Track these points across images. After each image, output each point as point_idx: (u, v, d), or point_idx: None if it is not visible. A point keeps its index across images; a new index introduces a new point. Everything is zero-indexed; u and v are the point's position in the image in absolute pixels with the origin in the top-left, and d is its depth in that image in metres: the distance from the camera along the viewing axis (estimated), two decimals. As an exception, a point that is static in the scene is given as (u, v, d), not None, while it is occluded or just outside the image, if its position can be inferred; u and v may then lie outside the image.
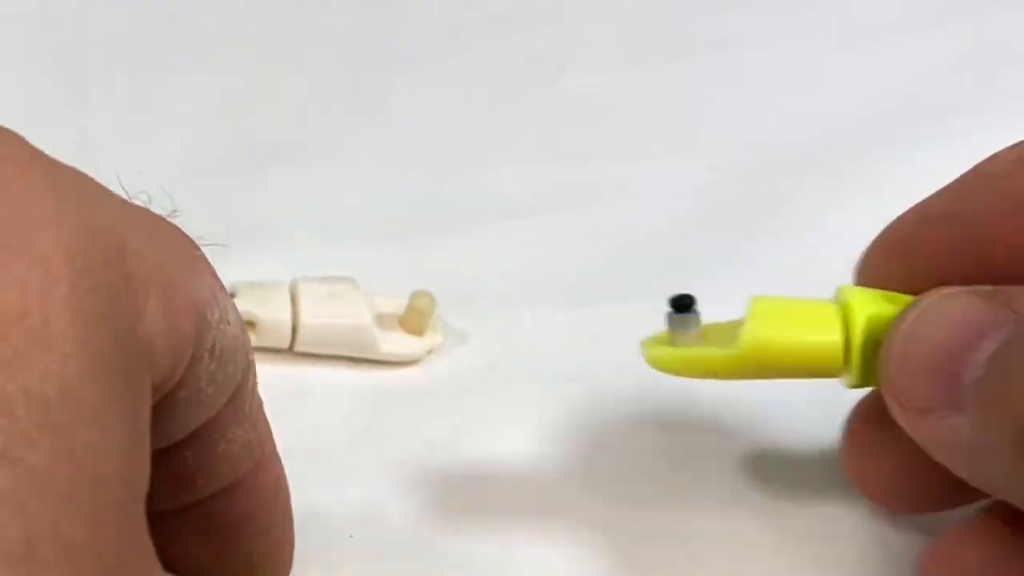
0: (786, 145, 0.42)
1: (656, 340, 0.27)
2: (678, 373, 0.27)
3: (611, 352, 0.34)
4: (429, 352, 0.33)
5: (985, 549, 0.24)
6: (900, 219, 0.27)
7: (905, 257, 0.26)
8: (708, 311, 0.35)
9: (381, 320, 0.33)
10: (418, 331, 0.33)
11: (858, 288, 0.26)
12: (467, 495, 0.30)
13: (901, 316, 0.24)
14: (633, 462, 0.31)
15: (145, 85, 0.45)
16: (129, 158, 0.42)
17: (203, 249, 0.22)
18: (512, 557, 0.28)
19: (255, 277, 0.34)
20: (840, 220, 0.38)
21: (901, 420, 0.23)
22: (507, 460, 0.31)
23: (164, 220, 0.22)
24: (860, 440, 0.27)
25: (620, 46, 0.48)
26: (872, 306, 0.25)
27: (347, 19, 0.49)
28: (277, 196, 0.40)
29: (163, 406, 0.20)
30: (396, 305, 0.34)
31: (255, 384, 0.23)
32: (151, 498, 0.22)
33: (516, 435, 0.31)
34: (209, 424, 0.22)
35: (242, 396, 0.23)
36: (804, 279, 0.36)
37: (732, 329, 0.26)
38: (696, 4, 0.49)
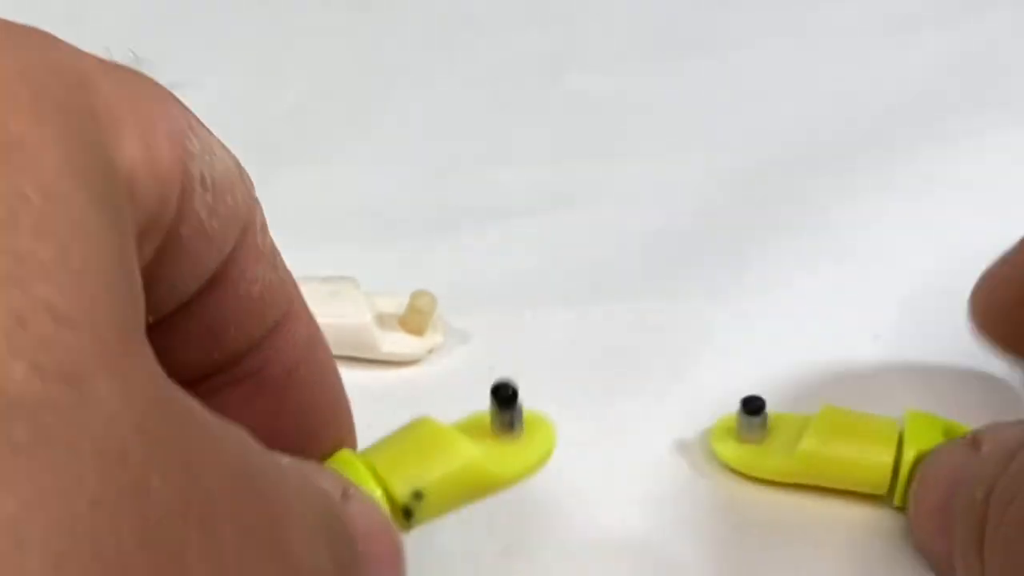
0: (786, 145, 0.42)
1: (723, 426, 0.30)
2: (740, 469, 0.29)
3: (611, 351, 0.34)
4: (429, 352, 0.33)
5: None
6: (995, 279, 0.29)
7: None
8: (708, 311, 0.35)
9: (381, 320, 0.33)
10: (418, 331, 0.33)
11: (921, 415, 0.28)
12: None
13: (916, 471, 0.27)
14: (634, 461, 0.31)
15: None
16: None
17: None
18: (511, 556, 0.28)
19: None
20: (841, 220, 0.38)
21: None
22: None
23: (126, 66, 0.21)
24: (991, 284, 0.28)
25: (620, 46, 0.48)
26: (926, 440, 0.27)
27: (347, 19, 0.49)
28: (277, 196, 0.40)
29: (170, 248, 0.20)
30: (396, 305, 0.33)
31: (264, 225, 0.23)
32: (188, 367, 0.23)
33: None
34: (225, 265, 0.22)
35: (252, 233, 0.22)
36: (804, 279, 0.36)
37: (799, 427, 0.29)
38: (696, 4, 0.49)
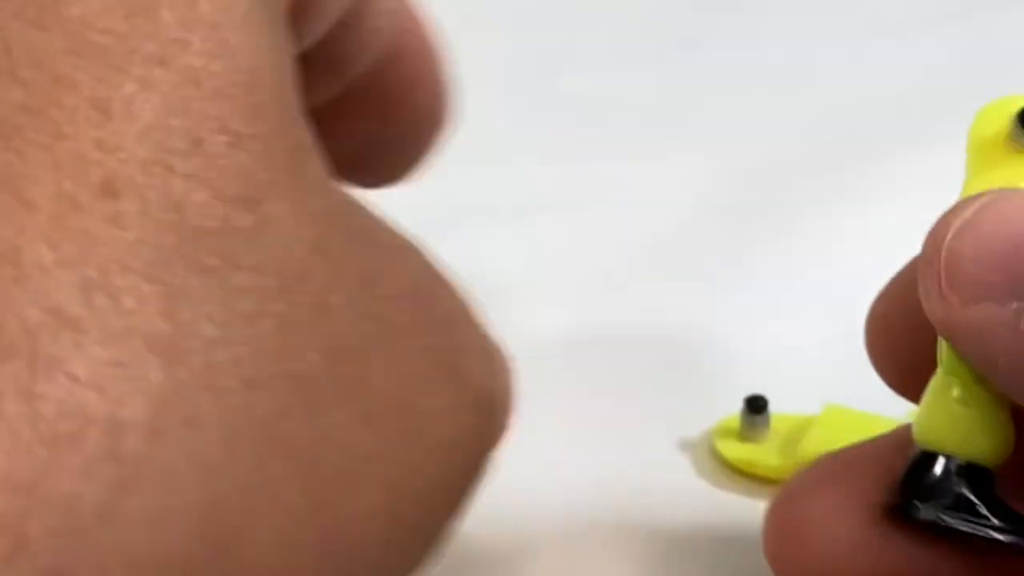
0: (787, 145, 0.42)
1: (726, 426, 0.30)
2: (743, 469, 0.29)
3: (612, 351, 0.34)
4: None
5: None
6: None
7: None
8: (708, 310, 0.35)
9: None
10: None
11: None
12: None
13: (962, 204, 0.23)
14: (636, 461, 0.30)
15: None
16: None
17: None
18: (510, 555, 0.28)
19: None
20: (841, 220, 0.38)
21: (936, 306, 0.22)
22: (507, 459, 0.31)
23: None
24: (886, 323, 0.26)
25: (620, 46, 0.48)
26: None
27: (346, 18, 0.49)
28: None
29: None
30: None
31: None
32: (313, 86, 0.22)
33: (516, 434, 0.31)
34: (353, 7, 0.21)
35: None
36: (804, 279, 0.36)
37: (802, 427, 0.29)
38: (696, 4, 0.49)
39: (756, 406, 0.29)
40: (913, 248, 0.37)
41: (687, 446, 0.30)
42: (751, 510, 0.29)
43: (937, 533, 0.22)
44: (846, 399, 0.30)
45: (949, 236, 0.22)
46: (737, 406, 0.30)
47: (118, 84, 0.15)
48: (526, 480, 0.30)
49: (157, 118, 0.15)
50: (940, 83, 0.45)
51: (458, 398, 0.18)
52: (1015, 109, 0.24)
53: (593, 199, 0.40)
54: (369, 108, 0.24)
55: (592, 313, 0.34)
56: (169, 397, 0.14)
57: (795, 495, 0.24)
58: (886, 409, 0.29)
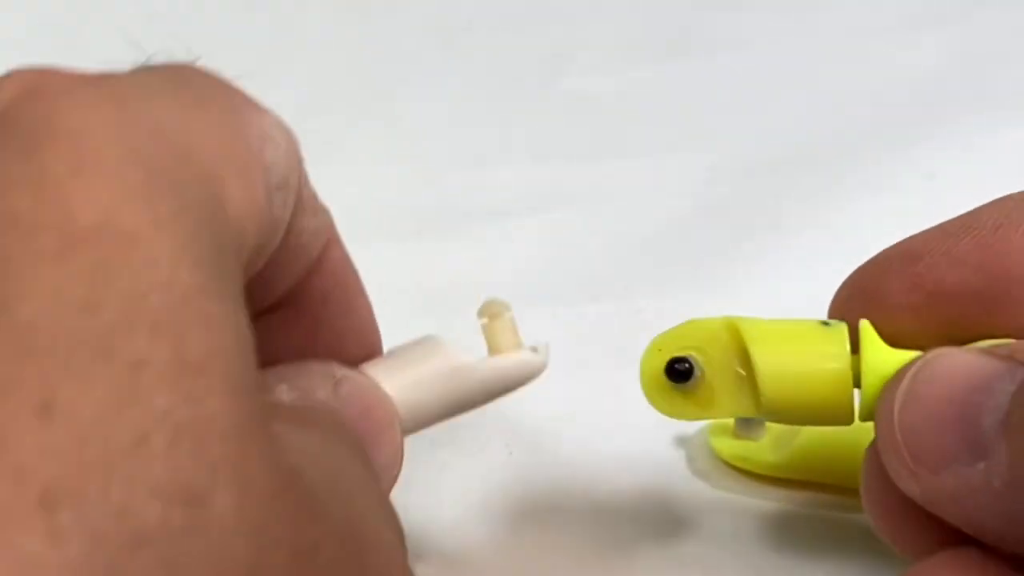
0: (786, 144, 0.42)
1: (721, 423, 0.30)
2: (738, 465, 0.29)
3: (612, 350, 0.34)
4: (536, 351, 0.28)
5: None
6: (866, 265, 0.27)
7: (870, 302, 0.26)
8: (708, 310, 0.35)
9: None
10: (512, 346, 0.27)
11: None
12: (466, 494, 0.30)
13: (898, 376, 0.23)
14: (632, 458, 0.31)
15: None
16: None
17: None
18: (509, 553, 0.28)
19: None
20: (840, 219, 0.39)
21: (908, 483, 0.22)
22: (506, 459, 0.31)
23: (196, 80, 0.21)
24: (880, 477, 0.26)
25: (620, 46, 0.48)
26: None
27: (347, 20, 0.49)
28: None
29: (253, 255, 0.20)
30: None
31: (306, 176, 0.23)
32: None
33: (517, 433, 0.31)
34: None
35: (300, 194, 0.23)
36: (804, 278, 0.36)
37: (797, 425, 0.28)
38: (696, 4, 0.49)
39: None
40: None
41: (682, 442, 0.31)
42: (746, 506, 0.29)
43: None
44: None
45: (896, 410, 0.22)
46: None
47: (60, 384, 0.15)
48: (523, 477, 0.30)
49: (99, 417, 0.15)
50: (935, 83, 0.45)
51: None
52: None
53: (590, 199, 0.40)
54: (301, 319, 0.25)
55: (589, 311, 0.34)
56: None
57: None
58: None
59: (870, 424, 0.27)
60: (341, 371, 0.24)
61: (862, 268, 0.27)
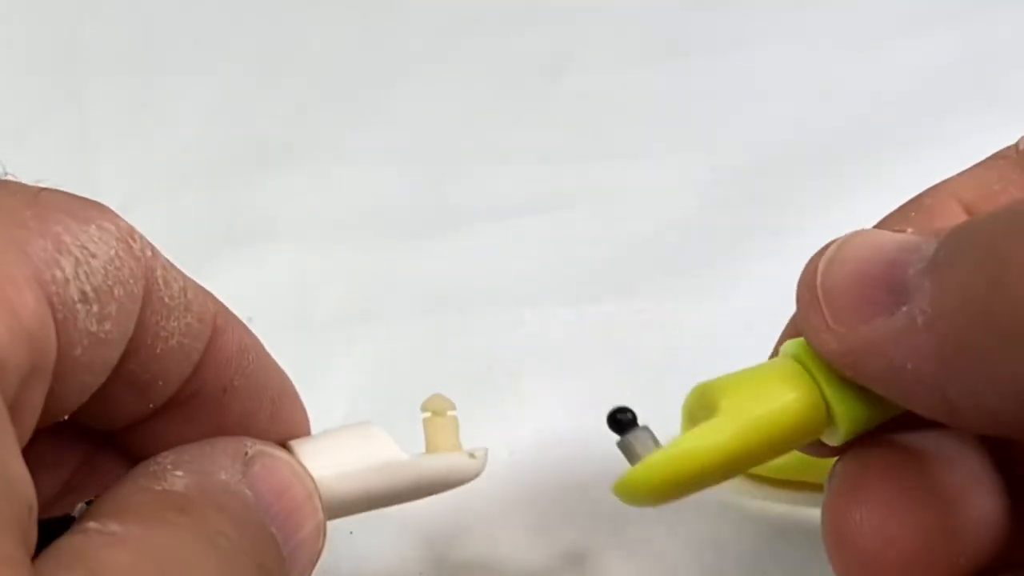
0: (786, 145, 0.42)
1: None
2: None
3: (612, 349, 0.34)
4: (474, 457, 0.27)
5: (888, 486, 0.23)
6: None
7: None
8: (708, 310, 0.35)
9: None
10: (448, 443, 0.27)
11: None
12: (466, 494, 0.30)
13: (815, 254, 0.24)
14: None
15: (145, 85, 0.45)
16: (129, 158, 0.42)
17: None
18: (509, 554, 0.28)
19: (256, 275, 0.34)
20: (840, 219, 0.38)
21: (826, 339, 0.23)
22: (508, 459, 0.31)
23: None
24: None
25: (620, 46, 0.48)
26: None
27: (347, 19, 0.49)
28: (277, 196, 0.40)
29: (66, 369, 0.20)
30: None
31: (167, 271, 0.23)
32: (125, 416, 0.23)
33: (517, 434, 0.31)
34: (134, 338, 0.22)
35: (155, 294, 0.22)
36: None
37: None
38: (696, 4, 0.49)
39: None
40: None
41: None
42: (748, 508, 0.29)
43: None
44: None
45: (820, 275, 0.24)
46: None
47: None
48: (521, 477, 0.30)
49: None
50: (937, 83, 0.45)
51: None
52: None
53: (591, 199, 0.40)
54: (203, 415, 0.24)
55: (589, 311, 0.34)
56: None
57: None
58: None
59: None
60: (255, 446, 0.24)
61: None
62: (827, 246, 0.24)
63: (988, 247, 0.20)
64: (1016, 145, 0.27)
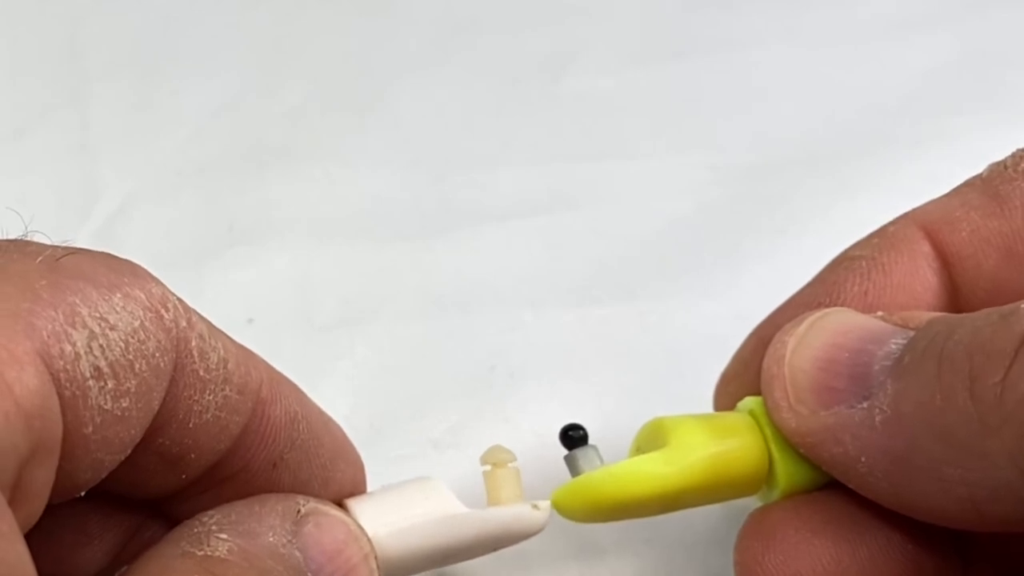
0: (786, 145, 0.42)
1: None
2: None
3: (613, 350, 0.34)
4: (538, 508, 0.26)
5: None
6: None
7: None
8: (708, 310, 0.35)
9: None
10: (509, 495, 0.26)
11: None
12: (468, 497, 0.30)
13: (786, 328, 0.25)
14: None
15: (145, 85, 0.45)
16: (129, 158, 0.42)
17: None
18: (510, 556, 0.28)
19: (256, 275, 0.34)
20: (840, 219, 0.38)
21: (786, 417, 0.24)
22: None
23: None
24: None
25: (620, 46, 0.48)
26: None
27: (347, 19, 0.49)
28: (277, 196, 0.40)
29: (77, 447, 0.20)
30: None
31: (205, 341, 0.22)
32: (161, 488, 0.23)
33: (517, 434, 0.31)
34: (163, 412, 0.21)
35: (188, 367, 0.21)
36: (804, 279, 0.36)
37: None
38: (696, 4, 0.49)
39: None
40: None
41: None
42: (747, 507, 0.29)
43: None
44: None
45: (788, 354, 0.24)
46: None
47: None
48: (525, 479, 0.30)
49: None
50: (937, 83, 0.45)
51: None
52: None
53: (591, 199, 0.40)
54: (245, 480, 0.23)
55: (591, 312, 0.34)
56: None
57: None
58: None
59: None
60: (308, 504, 0.23)
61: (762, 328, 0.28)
62: (800, 319, 0.24)
63: (949, 359, 0.21)
64: (981, 174, 0.27)
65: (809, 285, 0.27)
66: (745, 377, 0.27)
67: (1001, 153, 0.41)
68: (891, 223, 0.27)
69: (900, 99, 0.44)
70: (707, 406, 0.31)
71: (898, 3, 0.49)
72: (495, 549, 0.26)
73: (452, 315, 0.35)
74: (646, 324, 0.35)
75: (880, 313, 0.24)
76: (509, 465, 0.26)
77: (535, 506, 0.26)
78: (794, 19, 0.48)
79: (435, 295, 0.35)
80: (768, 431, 0.25)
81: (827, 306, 0.25)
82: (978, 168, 0.40)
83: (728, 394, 0.27)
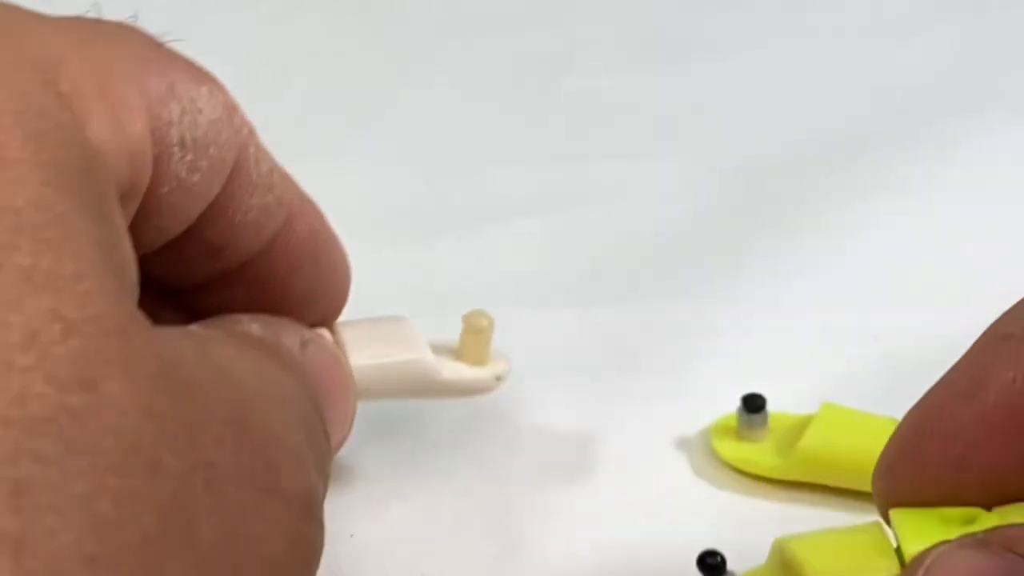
0: (786, 145, 0.42)
1: (723, 425, 0.30)
2: (740, 467, 0.29)
3: (613, 350, 0.34)
4: (498, 379, 0.30)
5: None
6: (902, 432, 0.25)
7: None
8: (708, 310, 0.35)
9: (439, 353, 0.30)
10: (480, 358, 0.30)
11: None
12: (468, 493, 0.30)
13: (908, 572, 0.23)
14: (634, 460, 0.31)
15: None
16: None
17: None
18: (509, 556, 0.28)
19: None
20: (841, 219, 0.38)
21: None
22: (508, 462, 0.31)
23: (109, 28, 0.22)
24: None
25: (620, 46, 0.48)
26: None
27: (348, 19, 0.49)
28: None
29: (151, 204, 0.22)
30: (452, 341, 0.30)
31: (259, 151, 0.25)
32: (191, 276, 0.25)
33: (518, 433, 0.31)
34: (217, 203, 0.24)
35: (244, 169, 0.24)
36: (804, 278, 0.36)
37: (799, 426, 0.29)
38: (696, 4, 0.49)
39: (754, 405, 0.29)
40: (910, 246, 0.37)
41: (685, 445, 0.31)
42: (749, 509, 0.29)
43: None
44: (843, 398, 0.30)
45: None
46: (734, 404, 0.30)
47: None
48: (523, 477, 0.30)
49: None
50: (938, 83, 0.45)
51: (281, 511, 0.20)
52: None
53: (591, 199, 0.40)
54: (272, 294, 0.26)
55: (590, 312, 0.34)
56: None
57: None
58: (883, 408, 0.29)
59: (874, 429, 0.27)
60: (309, 334, 0.26)
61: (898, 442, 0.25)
62: (914, 568, 0.22)
63: None
64: None
65: (962, 361, 0.25)
66: (902, 468, 0.25)
67: (1001, 154, 0.41)
68: None
69: (900, 99, 0.44)
70: (707, 406, 0.31)
71: (898, 3, 0.49)
72: (449, 397, 0.30)
73: (452, 315, 0.35)
74: (645, 324, 0.35)
75: (976, 537, 0.23)
76: (486, 330, 0.29)
77: (498, 376, 0.30)
78: (794, 19, 0.48)
79: (435, 294, 0.35)
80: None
81: (973, 396, 0.23)
82: (978, 168, 0.40)
83: (888, 491, 0.25)
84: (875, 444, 0.27)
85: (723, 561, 0.26)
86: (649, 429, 0.31)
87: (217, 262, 0.25)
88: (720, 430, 0.30)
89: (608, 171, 0.41)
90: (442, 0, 0.49)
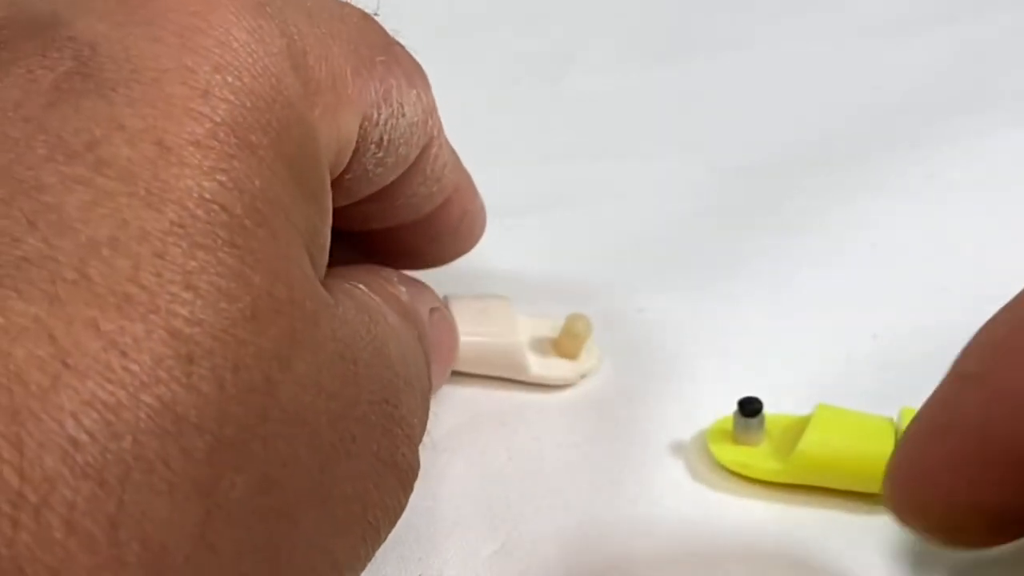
0: (786, 145, 0.42)
1: (720, 428, 0.30)
2: (737, 471, 0.29)
3: (613, 350, 0.34)
4: (582, 376, 0.32)
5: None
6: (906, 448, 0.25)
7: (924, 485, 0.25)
8: (707, 310, 0.35)
9: (535, 343, 0.32)
10: (572, 355, 0.32)
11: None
12: (468, 493, 0.30)
13: None
14: (631, 463, 0.31)
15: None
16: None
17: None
18: (507, 555, 0.28)
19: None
20: (840, 219, 0.39)
21: None
22: (507, 463, 0.31)
23: (353, 17, 0.24)
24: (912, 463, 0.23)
25: (620, 46, 0.48)
26: None
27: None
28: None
29: (335, 188, 0.23)
30: (551, 328, 0.33)
31: (440, 148, 0.27)
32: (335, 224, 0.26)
33: (517, 434, 0.31)
34: (390, 188, 0.26)
35: (422, 164, 0.26)
36: (804, 279, 0.36)
37: (796, 428, 0.29)
38: (696, 4, 0.49)
39: (750, 408, 0.29)
40: (910, 246, 0.37)
41: (681, 448, 0.30)
42: (746, 512, 0.29)
43: None
44: (841, 397, 0.30)
45: None
46: (731, 408, 0.30)
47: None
48: (522, 477, 0.30)
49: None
50: (937, 83, 0.45)
51: (394, 483, 0.22)
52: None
53: (590, 199, 0.40)
54: (422, 237, 0.29)
55: (590, 310, 0.34)
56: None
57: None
58: (878, 408, 0.29)
59: (870, 429, 0.28)
60: (437, 301, 0.30)
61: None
62: None
63: None
64: None
65: (928, 400, 0.23)
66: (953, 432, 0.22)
67: (1002, 153, 0.41)
68: None
69: (900, 99, 0.44)
70: (707, 406, 0.31)
71: (898, 3, 0.49)
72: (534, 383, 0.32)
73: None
74: (646, 322, 0.35)
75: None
76: (586, 337, 0.32)
77: (582, 375, 0.32)
78: (793, 19, 0.48)
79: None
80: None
81: (944, 436, 0.22)
82: (978, 168, 0.40)
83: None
84: (871, 445, 0.28)
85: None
86: (645, 432, 0.31)
87: (365, 225, 0.28)
88: (716, 434, 0.30)
89: (608, 171, 0.41)
90: (442, 0, 0.49)
